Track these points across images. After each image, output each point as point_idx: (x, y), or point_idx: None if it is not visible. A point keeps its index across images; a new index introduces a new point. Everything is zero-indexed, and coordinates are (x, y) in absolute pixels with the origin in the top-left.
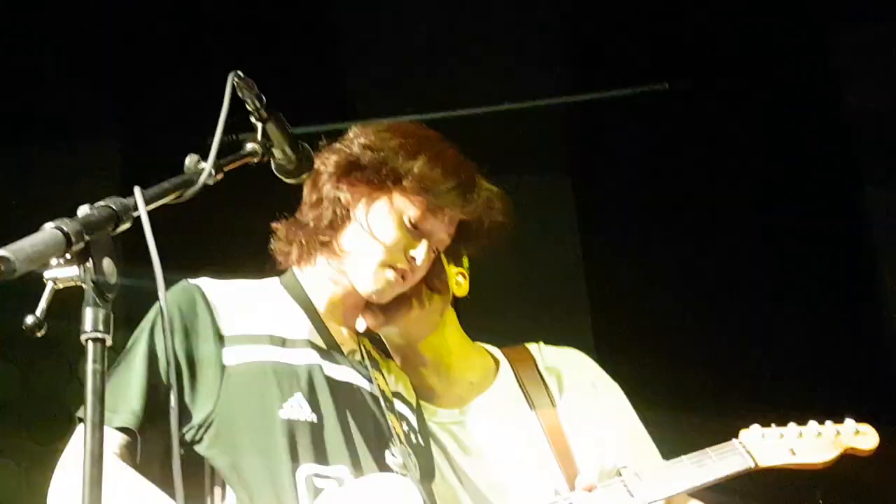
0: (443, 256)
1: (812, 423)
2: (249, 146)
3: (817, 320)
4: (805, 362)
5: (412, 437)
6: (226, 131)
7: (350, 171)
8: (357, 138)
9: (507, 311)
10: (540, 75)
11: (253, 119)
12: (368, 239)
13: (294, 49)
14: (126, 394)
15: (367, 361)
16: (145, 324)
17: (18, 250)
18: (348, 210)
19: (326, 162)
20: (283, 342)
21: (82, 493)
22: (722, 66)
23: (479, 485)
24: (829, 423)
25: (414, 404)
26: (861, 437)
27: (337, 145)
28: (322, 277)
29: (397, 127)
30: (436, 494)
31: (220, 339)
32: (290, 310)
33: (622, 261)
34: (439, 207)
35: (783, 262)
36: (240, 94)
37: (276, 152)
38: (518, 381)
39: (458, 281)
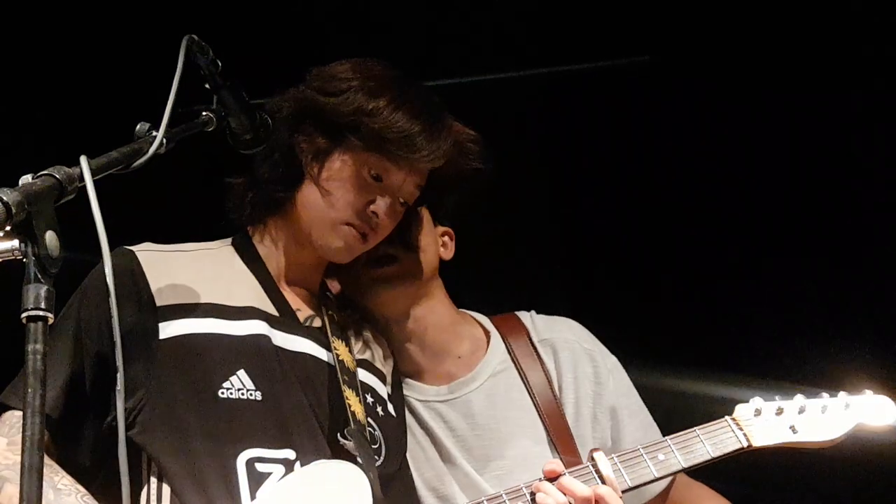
0: (427, 215)
1: (821, 396)
2: (203, 115)
3: (837, 274)
4: (823, 323)
5: (378, 408)
6: (181, 99)
7: (304, 118)
8: (313, 81)
9: (482, 280)
10: (514, 46)
11: (207, 86)
12: (325, 194)
13: (256, 14)
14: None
15: (327, 328)
16: (74, 299)
17: None
18: (303, 162)
19: (280, 109)
20: (226, 311)
21: (21, 481)
22: (706, 37)
23: (467, 468)
24: (842, 394)
25: (386, 372)
26: (875, 411)
27: (291, 91)
28: (277, 237)
29: (358, 66)
30: (418, 473)
31: (155, 310)
32: (239, 274)
33: (601, 231)
34: (404, 156)
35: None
36: (194, 59)
37: (232, 121)
38: (511, 354)
39: (444, 242)
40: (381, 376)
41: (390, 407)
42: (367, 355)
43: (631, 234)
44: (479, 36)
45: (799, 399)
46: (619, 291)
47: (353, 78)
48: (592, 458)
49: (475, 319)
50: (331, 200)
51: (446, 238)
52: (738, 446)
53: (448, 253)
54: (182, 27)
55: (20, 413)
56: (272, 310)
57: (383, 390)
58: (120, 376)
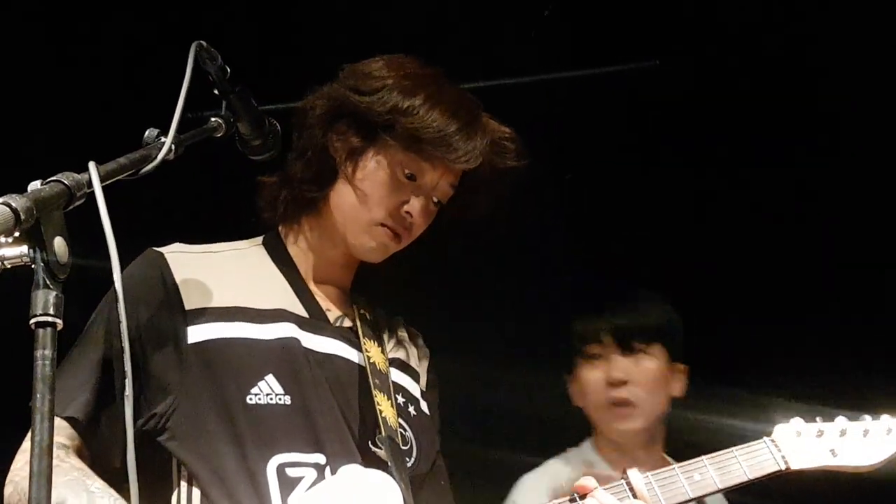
0: (664, 353)
1: (864, 419)
2: (212, 121)
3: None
4: (867, 345)
5: (410, 408)
6: (190, 105)
7: (338, 117)
8: (347, 80)
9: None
10: (524, 52)
11: (216, 92)
12: (359, 194)
13: (265, 22)
14: (76, 380)
15: (358, 328)
16: (103, 303)
17: None
18: (336, 161)
19: (313, 108)
20: (255, 315)
21: (30, 486)
22: (714, 42)
23: None
24: (885, 417)
25: (421, 371)
26: None
27: (325, 88)
28: (309, 236)
29: (392, 63)
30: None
31: (184, 314)
32: (268, 275)
33: (612, 242)
34: (440, 156)
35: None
36: (203, 66)
37: (241, 127)
38: None
39: (679, 378)
40: (414, 375)
41: (423, 405)
42: (400, 354)
43: (648, 244)
44: (482, 43)
45: (840, 421)
46: None
47: (388, 76)
48: (626, 475)
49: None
50: (365, 201)
51: (680, 374)
52: (775, 468)
53: (679, 389)
54: (191, 33)
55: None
56: (302, 311)
57: (416, 389)
58: (129, 382)
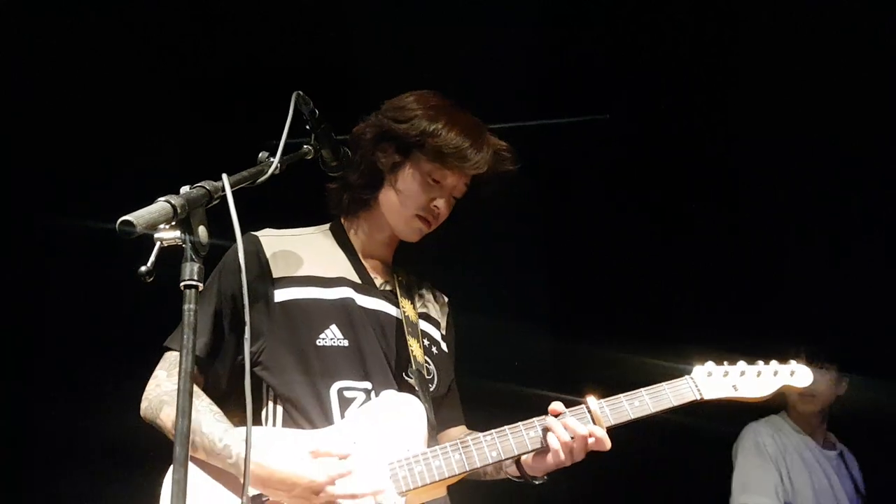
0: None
1: (757, 364)
2: (305, 148)
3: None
4: (763, 313)
5: (434, 349)
6: (290, 135)
7: (382, 139)
8: (387, 112)
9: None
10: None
11: (307, 127)
12: (400, 195)
13: (335, 84)
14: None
15: (397, 290)
16: (214, 273)
17: (139, 217)
18: (383, 172)
19: (365, 132)
20: (322, 281)
21: (178, 399)
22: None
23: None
24: (774, 362)
25: (441, 320)
26: (796, 376)
27: (372, 119)
28: (363, 225)
29: (420, 98)
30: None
31: (272, 281)
32: (333, 252)
33: (581, 227)
34: (458, 165)
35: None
36: (299, 108)
37: (324, 153)
38: None
39: (843, 383)
40: (436, 324)
41: (443, 345)
42: (427, 309)
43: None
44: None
45: (741, 364)
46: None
47: (417, 108)
48: (586, 402)
49: None
50: (405, 200)
51: (844, 381)
52: (693, 398)
53: (843, 390)
54: (292, 85)
55: (177, 353)
56: (356, 278)
57: (438, 334)
58: (247, 329)
